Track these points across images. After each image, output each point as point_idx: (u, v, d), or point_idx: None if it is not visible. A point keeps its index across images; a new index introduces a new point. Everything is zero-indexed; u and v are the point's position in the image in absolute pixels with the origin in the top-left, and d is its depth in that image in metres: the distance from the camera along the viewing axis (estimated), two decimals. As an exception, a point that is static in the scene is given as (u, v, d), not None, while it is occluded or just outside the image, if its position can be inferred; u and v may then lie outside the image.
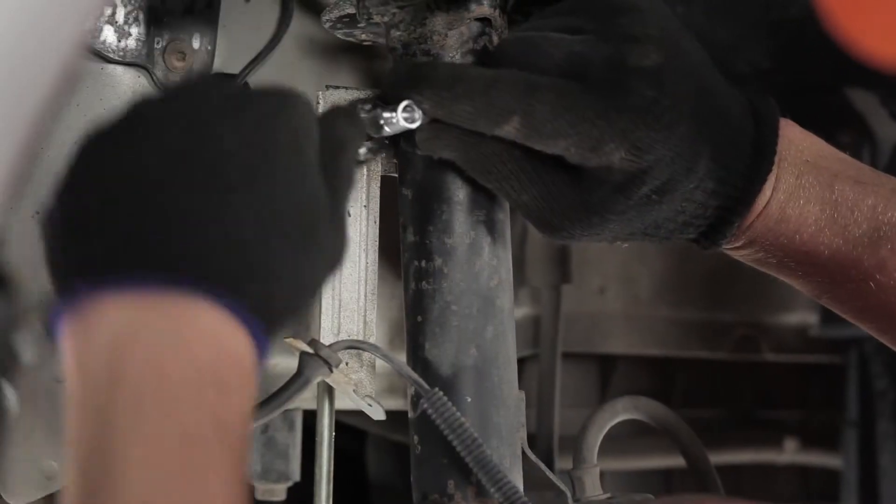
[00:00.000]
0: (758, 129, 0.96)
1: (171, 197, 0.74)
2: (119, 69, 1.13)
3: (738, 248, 1.00)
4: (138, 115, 0.78)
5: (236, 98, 0.81)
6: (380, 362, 1.02)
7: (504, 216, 1.03)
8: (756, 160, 0.95)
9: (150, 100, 0.79)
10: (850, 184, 0.97)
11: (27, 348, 0.76)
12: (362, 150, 1.01)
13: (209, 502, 0.70)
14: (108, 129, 0.77)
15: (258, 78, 1.18)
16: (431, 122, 0.95)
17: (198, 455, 0.70)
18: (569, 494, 1.05)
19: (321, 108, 1.03)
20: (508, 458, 1.00)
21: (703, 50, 0.97)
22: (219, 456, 0.71)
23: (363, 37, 1.08)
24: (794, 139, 0.98)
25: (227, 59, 1.17)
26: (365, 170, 1.04)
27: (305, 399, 1.05)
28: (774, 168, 0.96)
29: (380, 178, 1.05)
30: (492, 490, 0.94)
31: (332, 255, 0.85)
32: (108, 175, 0.75)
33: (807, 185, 0.97)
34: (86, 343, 0.72)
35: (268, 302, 0.77)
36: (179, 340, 0.72)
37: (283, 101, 0.83)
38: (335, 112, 0.94)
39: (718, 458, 1.73)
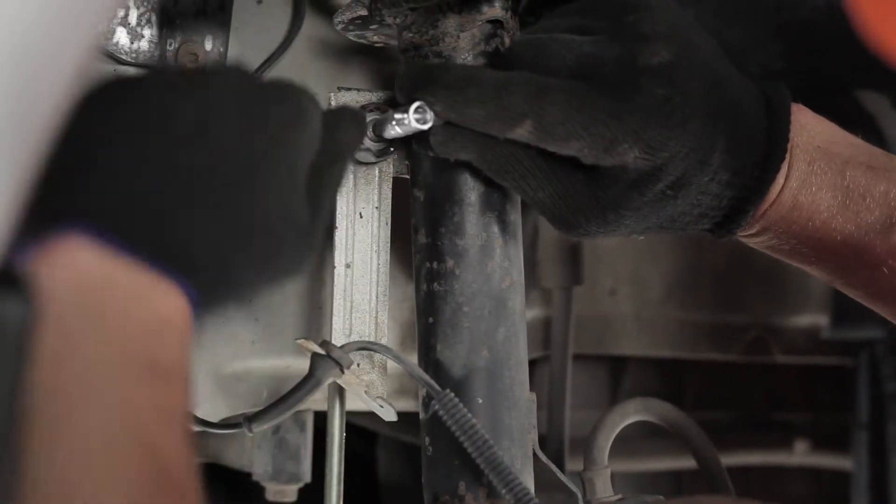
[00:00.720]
0: (770, 118, 0.96)
1: (149, 169, 0.74)
2: (131, 71, 1.13)
3: (751, 236, 1.00)
4: (157, 84, 0.78)
5: (256, 97, 0.81)
6: (391, 363, 1.02)
7: (516, 217, 1.03)
8: (769, 149, 0.96)
9: (171, 73, 0.80)
10: (862, 170, 0.97)
11: None
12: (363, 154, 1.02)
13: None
14: (124, 88, 0.77)
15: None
16: (446, 125, 0.95)
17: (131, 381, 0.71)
18: (579, 496, 1.05)
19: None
20: (519, 460, 1.01)
21: (714, 42, 0.97)
22: (157, 391, 0.72)
23: (375, 38, 1.09)
24: (807, 124, 0.98)
25: (240, 61, 1.17)
26: (377, 171, 1.05)
27: (316, 400, 1.05)
28: (787, 155, 0.96)
29: (391, 179, 1.05)
30: (503, 491, 0.94)
31: (291, 266, 0.85)
32: (100, 133, 0.75)
33: (818, 171, 0.97)
34: (48, 273, 0.70)
35: (211, 288, 0.77)
36: (131, 295, 0.72)
37: (297, 113, 0.83)
38: (342, 115, 0.94)
39: (729, 459, 1.73)
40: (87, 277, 0.71)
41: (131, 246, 0.72)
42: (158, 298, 0.73)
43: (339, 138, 0.91)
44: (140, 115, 0.76)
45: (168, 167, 0.75)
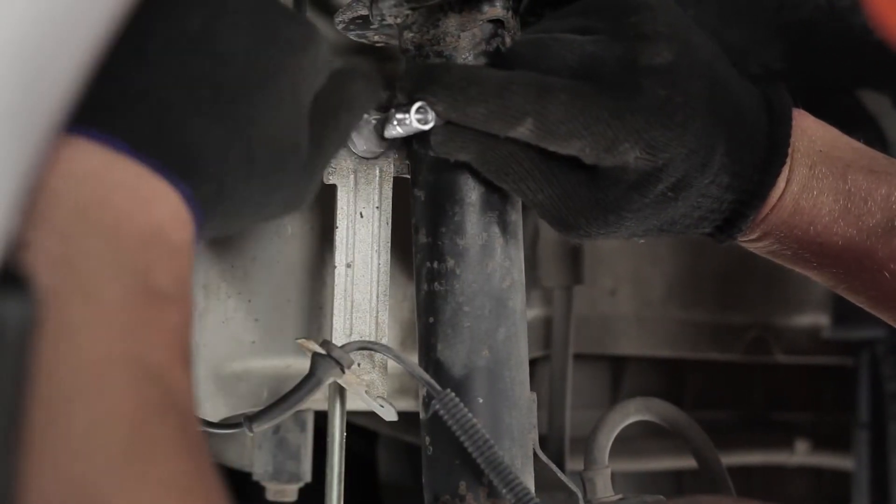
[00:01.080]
0: (771, 121, 0.96)
1: (154, 69, 0.74)
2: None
3: (752, 241, 1.00)
4: None
5: (270, 10, 0.81)
6: (392, 363, 1.02)
7: (516, 217, 1.03)
8: (770, 152, 0.96)
9: None
10: (864, 173, 0.97)
11: None
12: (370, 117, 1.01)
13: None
14: None
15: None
16: (446, 125, 0.95)
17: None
18: (580, 496, 1.05)
19: (334, 110, 1.03)
20: (520, 459, 1.01)
21: (715, 44, 0.97)
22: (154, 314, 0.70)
23: (376, 38, 1.09)
24: (807, 129, 0.98)
25: None
26: (377, 171, 1.04)
27: (317, 400, 1.05)
28: (788, 159, 0.96)
29: (392, 179, 1.05)
30: (503, 491, 0.94)
31: (290, 196, 0.85)
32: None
33: (820, 175, 0.97)
34: (42, 182, 0.69)
35: (212, 198, 0.77)
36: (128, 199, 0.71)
37: (307, 35, 0.83)
38: (354, 73, 0.94)
39: (729, 459, 1.73)
40: (84, 172, 0.70)
41: (132, 146, 0.71)
42: (158, 202, 0.72)
43: (351, 88, 0.91)
44: (152, 12, 0.74)
45: (173, 69, 0.75)
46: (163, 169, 0.72)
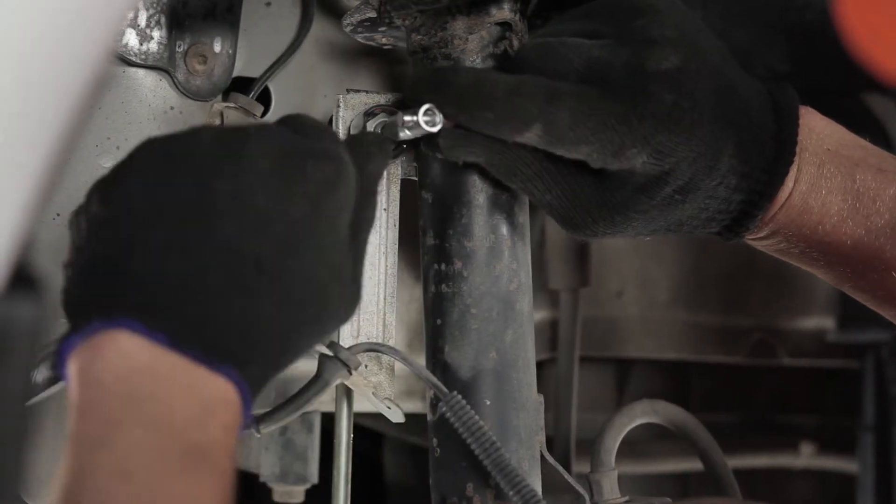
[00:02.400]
0: (778, 121, 0.96)
1: (191, 254, 0.76)
2: (141, 72, 1.14)
3: (760, 239, 1.00)
4: (194, 153, 0.79)
5: (295, 157, 0.81)
6: (399, 365, 1.02)
7: (524, 219, 1.03)
8: (778, 152, 0.95)
9: (208, 139, 0.80)
10: (873, 172, 0.97)
11: (42, 371, 0.78)
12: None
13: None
14: (165, 162, 0.78)
15: (278, 81, 1.19)
16: (455, 128, 0.95)
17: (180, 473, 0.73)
18: (587, 498, 1.05)
19: (342, 112, 1.03)
20: (527, 462, 1.01)
21: (722, 45, 0.97)
22: (202, 476, 0.74)
23: (384, 41, 1.09)
24: (815, 128, 0.98)
25: (248, 63, 1.18)
26: (385, 173, 1.05)
27: (324, 402, 1.05)
28: (796, 159, 0.96)
29: (400, 181, 1.05)
30: (510, 493, 0.94)
31: (338, 321, 0.87)
32: (136, 222, 0.76)
33: (828, 174, 0.97)
34: (95, 363, 0.74)
35: (263, 373, 0.80)
36: (178, 385, 0.75)
37: (337, 169, 0.83)
38: (368, 146, 0.93)
39: (735, 462, 1.72)
40: (132, 368, 0.73)
41: (177, 341, 0.74)
42: (205, 385, 0.75)
43: (369, 172, 0.91)
44: (177, 193, 0.77)
45: (209, 250, 0.76)
46: (205, 359, 0.75)
